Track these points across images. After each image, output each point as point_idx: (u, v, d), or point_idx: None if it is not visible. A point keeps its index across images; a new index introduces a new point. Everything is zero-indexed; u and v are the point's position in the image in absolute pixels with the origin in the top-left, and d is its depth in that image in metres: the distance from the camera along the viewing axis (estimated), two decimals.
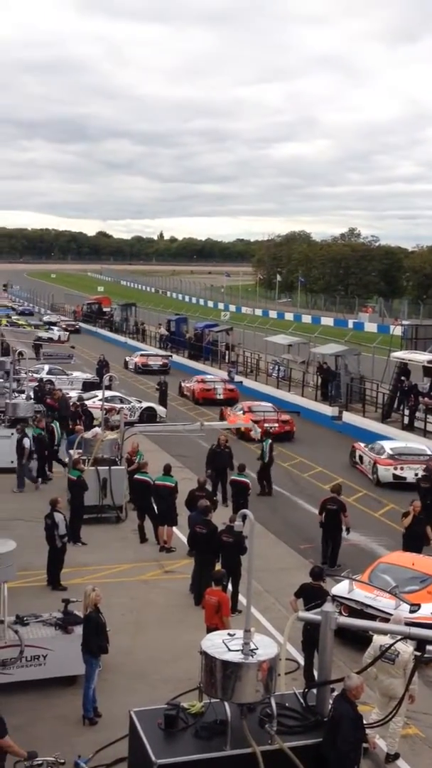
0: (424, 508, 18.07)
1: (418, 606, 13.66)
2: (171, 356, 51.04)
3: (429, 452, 25.18)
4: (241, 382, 42.31)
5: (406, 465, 24.56)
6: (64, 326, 70.05)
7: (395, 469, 24.63)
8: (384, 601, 13.65)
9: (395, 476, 24.56)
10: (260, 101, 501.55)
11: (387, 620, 12.40)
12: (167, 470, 18.92)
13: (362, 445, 27.23)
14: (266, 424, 28.85)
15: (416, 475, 23.09)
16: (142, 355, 50.14)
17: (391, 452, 25.22)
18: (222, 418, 31.92)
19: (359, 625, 10.52)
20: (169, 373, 44.86)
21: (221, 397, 37.56)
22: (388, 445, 25.89)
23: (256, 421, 28.53)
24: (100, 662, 11.54)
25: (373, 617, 13.13)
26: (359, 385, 35.14)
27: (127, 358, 50.79)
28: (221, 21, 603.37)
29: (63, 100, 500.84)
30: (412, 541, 17.10)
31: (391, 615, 12.48)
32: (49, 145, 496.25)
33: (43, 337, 58.84)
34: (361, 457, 26.71)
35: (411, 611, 13.37)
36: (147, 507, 18.73)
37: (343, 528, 17.68)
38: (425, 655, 9.80)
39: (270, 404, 33.42)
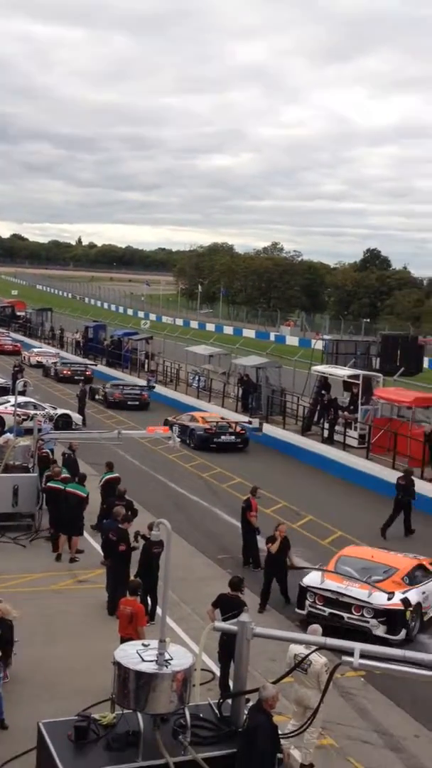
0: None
1: (393, 593, 14.48)
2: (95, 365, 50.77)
3: (82, 360, 50.79)
4: (153, 387, 42.61)
5: (72, 369, 47.37)
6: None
7: (64, 370, 46.82)
8: (356, 590, 14.60)
9: (63, 373, 46.57)
10: (186, 111, 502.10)
11: (361, 607, 14.32)
12: (82, 480, 18.71)
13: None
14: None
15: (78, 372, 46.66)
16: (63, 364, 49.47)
17: (63, 362, 49.18)
18: None
19: (276, 635, 10.42)
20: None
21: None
22: (60, 360, 49.92)
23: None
24: (6, 672, 11.20)
25: (348, 605, 14.52)
26: (280, 397, 35.35)
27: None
28: (144, 28, 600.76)
29: None
30: (277, 567, 15.86)
31: (366, 602, 14.25)
32: None
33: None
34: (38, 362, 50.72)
35: (388, 599, 14.36)
36: (57, 515, 18.38)
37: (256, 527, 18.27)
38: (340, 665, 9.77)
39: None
